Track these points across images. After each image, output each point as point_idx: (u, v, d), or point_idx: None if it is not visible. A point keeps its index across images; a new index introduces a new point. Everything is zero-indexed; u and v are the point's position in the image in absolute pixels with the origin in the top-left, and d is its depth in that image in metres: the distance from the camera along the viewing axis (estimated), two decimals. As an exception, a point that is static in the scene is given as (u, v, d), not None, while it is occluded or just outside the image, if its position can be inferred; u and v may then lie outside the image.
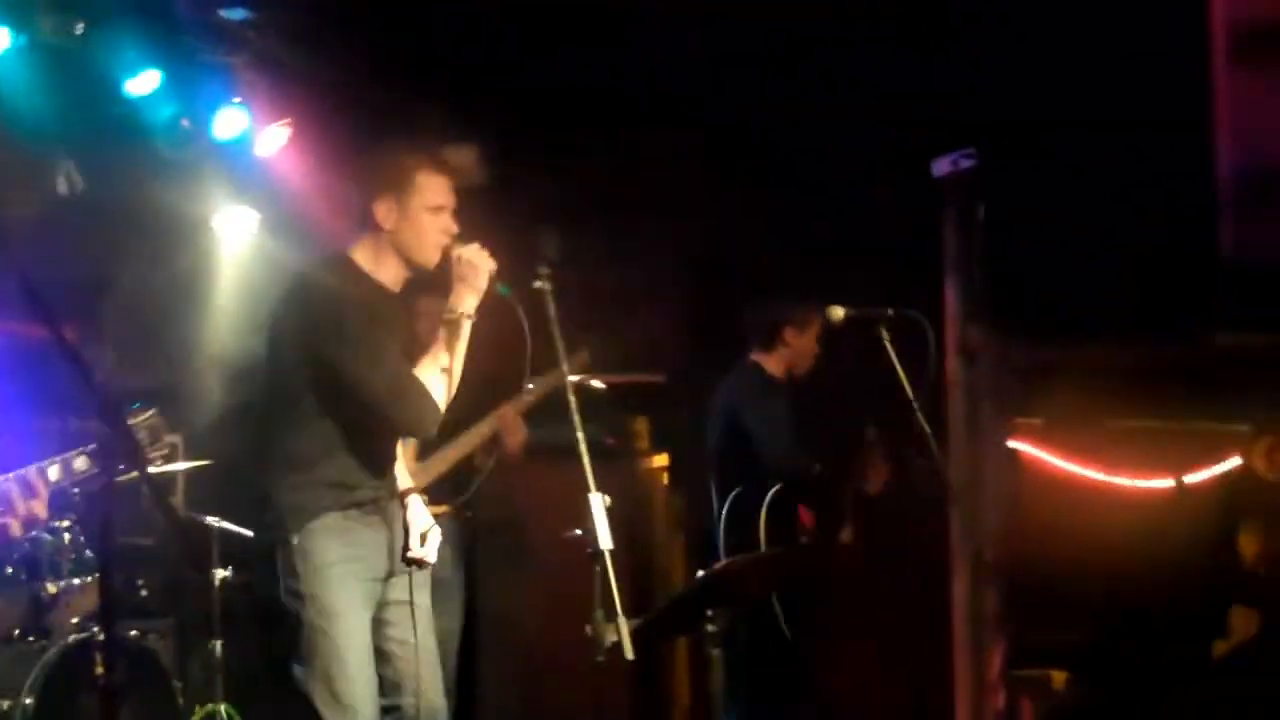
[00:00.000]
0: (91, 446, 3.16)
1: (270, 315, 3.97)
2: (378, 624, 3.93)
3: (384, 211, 3.89)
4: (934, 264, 5.59)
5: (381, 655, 3.92)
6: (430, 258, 3.92)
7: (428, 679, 3.97)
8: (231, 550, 5.79)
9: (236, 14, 6.01)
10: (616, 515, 3.79)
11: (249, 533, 5.68)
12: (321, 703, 3.79)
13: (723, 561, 4.20)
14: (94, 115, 5.91)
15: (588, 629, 3.70)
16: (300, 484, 3.84)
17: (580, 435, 3.76)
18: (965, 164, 5.41)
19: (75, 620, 5.43)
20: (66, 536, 5.44)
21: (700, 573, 4.14)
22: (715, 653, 4.22)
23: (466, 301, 3.87)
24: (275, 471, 3.89)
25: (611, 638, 3.64)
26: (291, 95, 6.23)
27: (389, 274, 3.94)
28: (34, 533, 5.31)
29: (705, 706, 4.95)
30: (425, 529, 4.04)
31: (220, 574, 5.82)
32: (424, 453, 5.13)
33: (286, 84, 6.21)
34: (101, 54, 5.74)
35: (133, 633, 5.63)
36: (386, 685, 3.92)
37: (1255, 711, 4.91)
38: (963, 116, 5.73)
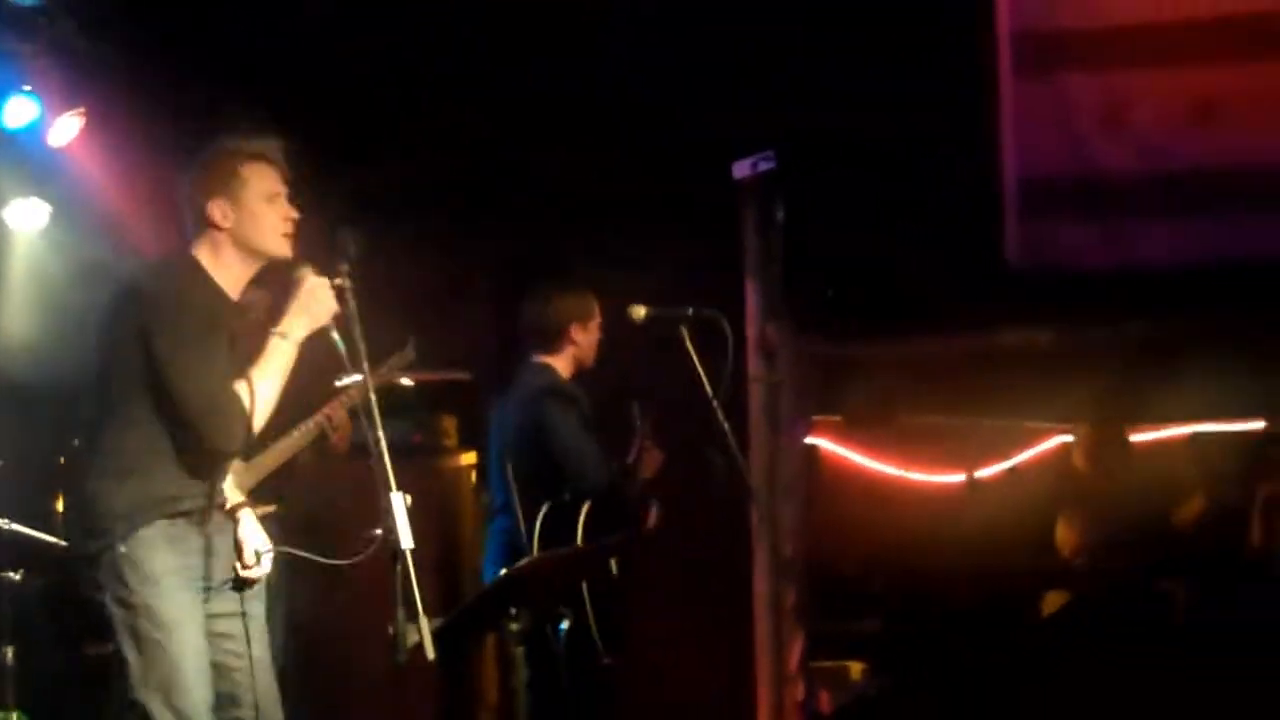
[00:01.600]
0: None
1: (106, 312, 3.86)
2: (210, 636, 3.84)
3: (219, 211, 3.82)
4: (734, 264, 5.72)
5: (217, 669, 3.83)
6: (278, 247, 3.85)
7: (264, 692, 3.89)
8: (25, 554, 5.61)
9: (28, 0, 5.82)
10: (424, 513, 3.78)
11: (42, 536, 5.56)
12: (158, 712, 3.69)
13: (524, 559, 4.22)
14: None
15: (389, 629, 3.68)
16: (128, 490, 3.74)
17: (380, 434, 3.74)
18: (764, 166, 5.53)
19: None
20: None
21: (503, 571, 4.16)
22: (519, 650, 4.24)
23: (297, 328, 3.79)
24: (101, 476, 3.78)
25: (414, 638, 3.63)
26: (85, 84, 6.06)
27: (229, 275, 3.86)
28: None
29: (512, 704, 4.96)
30: (259, 547, 3.97)
31: (11, 577, 5.63)
32: (249, 453, 5.02)
33: (79, 72, 6.03)
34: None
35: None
36: (222, 699, 3.83)
37: (1054, 693, 5.11)
38: (762, 119, 5.85)
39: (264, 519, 4.17)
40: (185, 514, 3.79)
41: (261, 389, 3.77)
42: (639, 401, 5.28)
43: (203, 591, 3.83)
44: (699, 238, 5.90)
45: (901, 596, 6.62)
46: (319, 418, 5.23)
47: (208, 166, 3.88)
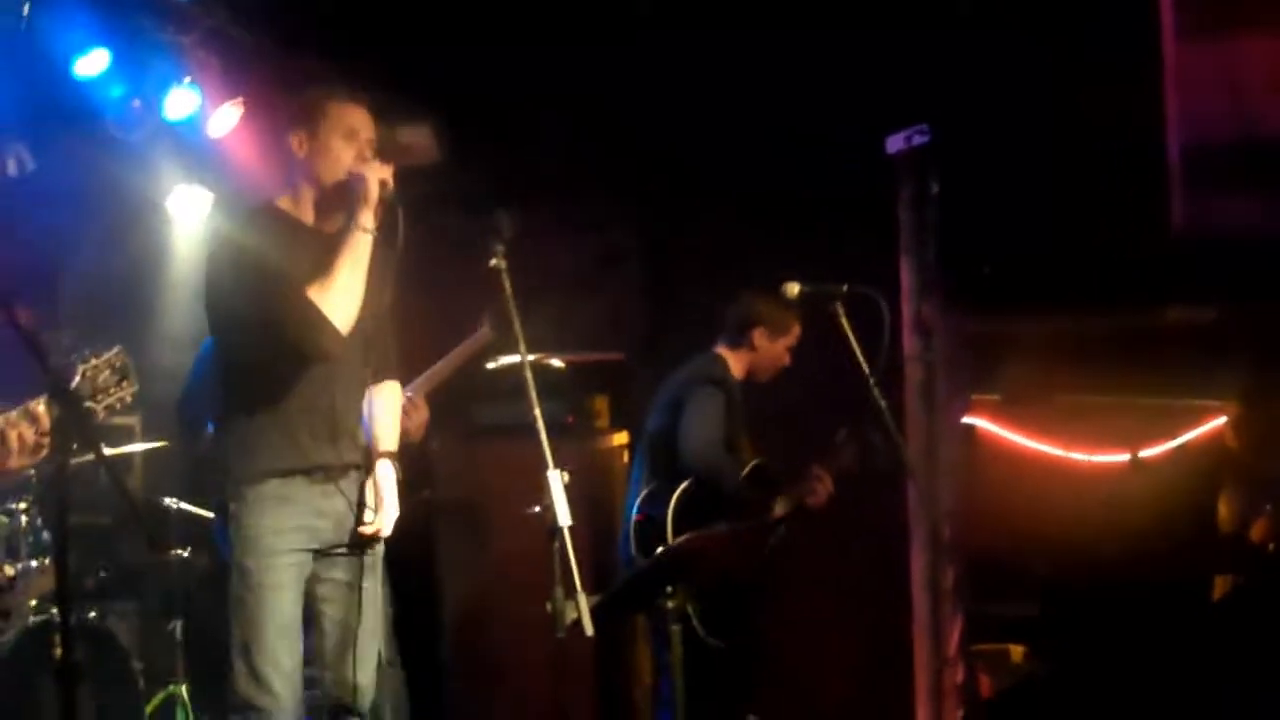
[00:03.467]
0: (45, 396, 3.13)
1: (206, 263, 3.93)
2: (315, 598, 3.86)
3: (297, 143, 3.86)
4: (889, 240, 5.62)
5: (316, 628, 3.88)
6: (348, 184, 3.82)
7: (355, 657, 3.86)
8: (192, 531, 5.77)
9: (185, -7, 5.96)
10: (575, 493, 3.79)
11: (208, 514, 5.70)
12: (237, 673, 3.75)
13: (682, 538, 4.20)
14: (43, 96, 5.85)
15: (547, 606, 3.69)
16: (245, 451, 3.79)
17: (537, 413, 3.75)
18: (919, 140, 5.43)
19: (34, 602, 5.39)
20: (24, 519, 5.39)
21: (659, 549, 4.15)
22: (675, 628, 4.23)
23: (362, 217, 3.76)
24: (224, 441, 3.86)
25: (571, 615, 3.64)
26: (242, 74, 6.18)
27: (311, 212, 3.88)
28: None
29: (664, 682, 4.96)
30: (387, 501, 3.94)
31: (180, 554, 5.80)
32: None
33: (237, 63, 6.15)
34: (50, 34, 5.67)
35: (92, 614, 5.60)
36: (313, 655, 3.88)
37: (1222, 678, 4.95)
38: (916, 92, 5.73)
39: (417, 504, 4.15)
40: (303, 472, 3.80)
41: (339, 282, 3.73)
42: (848, 430, 5.20)
43: (306, 554, 3.83)
44: (852, 214, 5.80)
45: (1064, 578, 6.45)
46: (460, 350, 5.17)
47: (294, 102, 3.93)
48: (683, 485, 4.97)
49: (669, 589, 4.16)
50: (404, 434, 5.11)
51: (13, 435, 3.11)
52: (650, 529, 5.00)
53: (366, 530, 3.87)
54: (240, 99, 6.24)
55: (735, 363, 5.33)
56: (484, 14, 6.03)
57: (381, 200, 3.77)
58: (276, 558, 3.77)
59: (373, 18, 6.07)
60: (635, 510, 5.14)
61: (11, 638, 5.04)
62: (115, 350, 3.40)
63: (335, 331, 3.73)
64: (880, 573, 5.94)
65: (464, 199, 4.36)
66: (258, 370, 3.79)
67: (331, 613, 3.88)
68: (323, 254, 3.79)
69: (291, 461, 3.79)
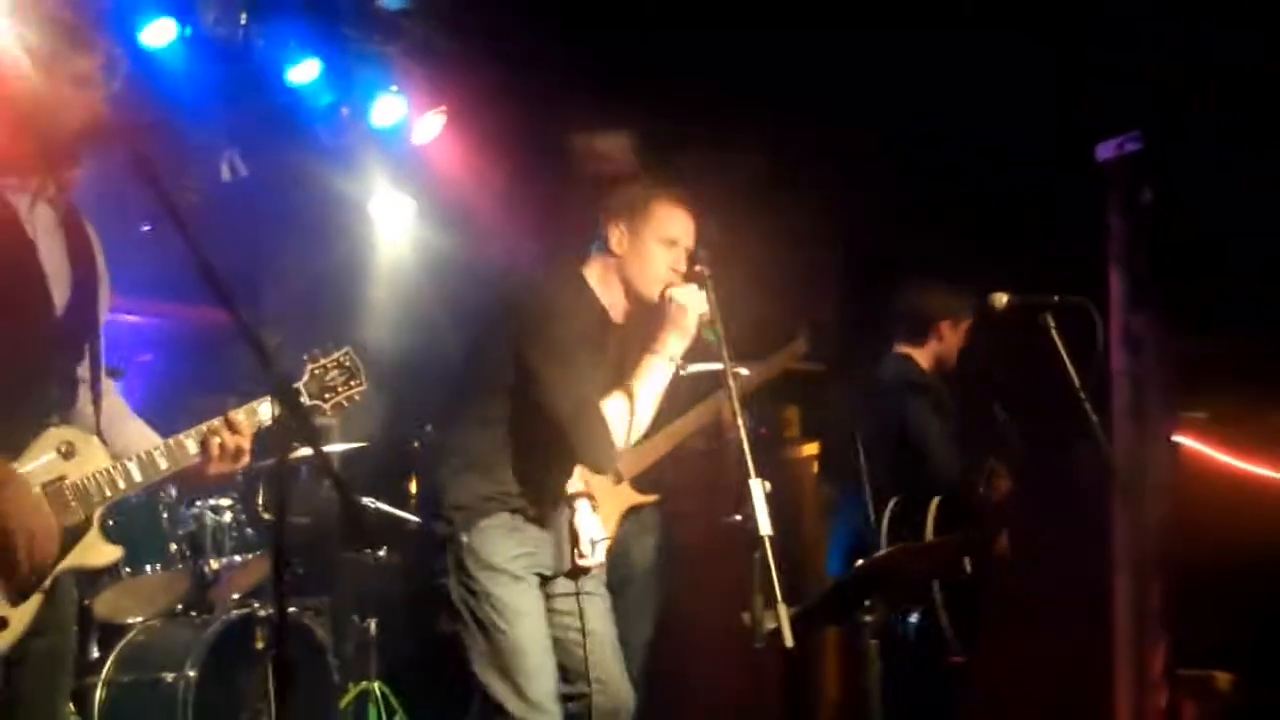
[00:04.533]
0: (267, 395, 3.20)
1: (474, 313, 4.01)
2: (552, 615, 3.94)
3: (616, 235, 3.88)
4: (1098, 251, 5.45)
5: (559, 645, 3.94)
6: (653, 291, 3.89)
7: (609, 667, 3.97)
8: (386, 532, 5.87)
9: (394, 3, 6.08)
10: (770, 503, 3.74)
11: (406, 515, 5.80)
12: (504, 699, 3.80)
13: (883, 551, 4.12)
14: (256, 104, 6.03)
15: (745, 616, 3.65)
16: (474, 482, 3.85)
17: (740, 422, 3.71)
18: (1131, 147, 5.27)
19: (236, 596, 5.54)
20: (228, 515, 5.55)
21: (859, 561, 4.07)
22: (873, 643, 4.14)
23: (671, 344, 3.83)
24: (451, 466, 3.91)
25: (770, 625, 3.59)
26: (447, 83, 6.29)
27: (612, 297, 3.93)
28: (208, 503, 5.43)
29: (855, 698, 4.87)
30: (594, 536, 4.02)
31: (376, 555, 5.90)
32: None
33: (442, 72, 6.26)
34: (263, 44, 5.84)
35: (289, 610, 5.73)
36: (569, 674, 3.93)
37: None
38: (1129, 98, 5.54)
39: (639, 510, 4.15)
40: (523, 511, 3.87)
41: (635, 407, 3.83)
42: (1000, 402, 5.07)
43: (541, 580, 3.91)
44: (1062, 223, 5.64)
45: (1274, 604, 6.17)
46: (703, 408, 5.21)
47: (621, 192, 3.94)
48: (934, 502, 4.85)
49: (867, 602, 4.08)
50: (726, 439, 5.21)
51: (214, 443, 3.18)
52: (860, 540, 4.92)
53: (584, 563, 3.98)
54: (444, 107, 6.34)
55: (924, 358, 5.24)
56: (689, 11, 6.00)
57: (697, 335, 3.82)
58: (520, 583, 3.85)
59: (580, 31, 6.09)
60: (848, 524, 5.04)
61: (215, 629, 5.18)
62: (344, 350, 3.47)
63: (612, 449, 3.84)
64: (1083, 592, 5.76)
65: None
66: (513, 421, 3.85)
67: (571, 622, 3.96)
68: (608, 343, 3.88)
69: (516, 500, 3.86)
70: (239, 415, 3.21)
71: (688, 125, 5.91)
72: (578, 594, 3.96)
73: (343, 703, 5.59)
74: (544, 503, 3.91)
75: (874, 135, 6.05)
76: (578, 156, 6.16)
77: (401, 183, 6.63)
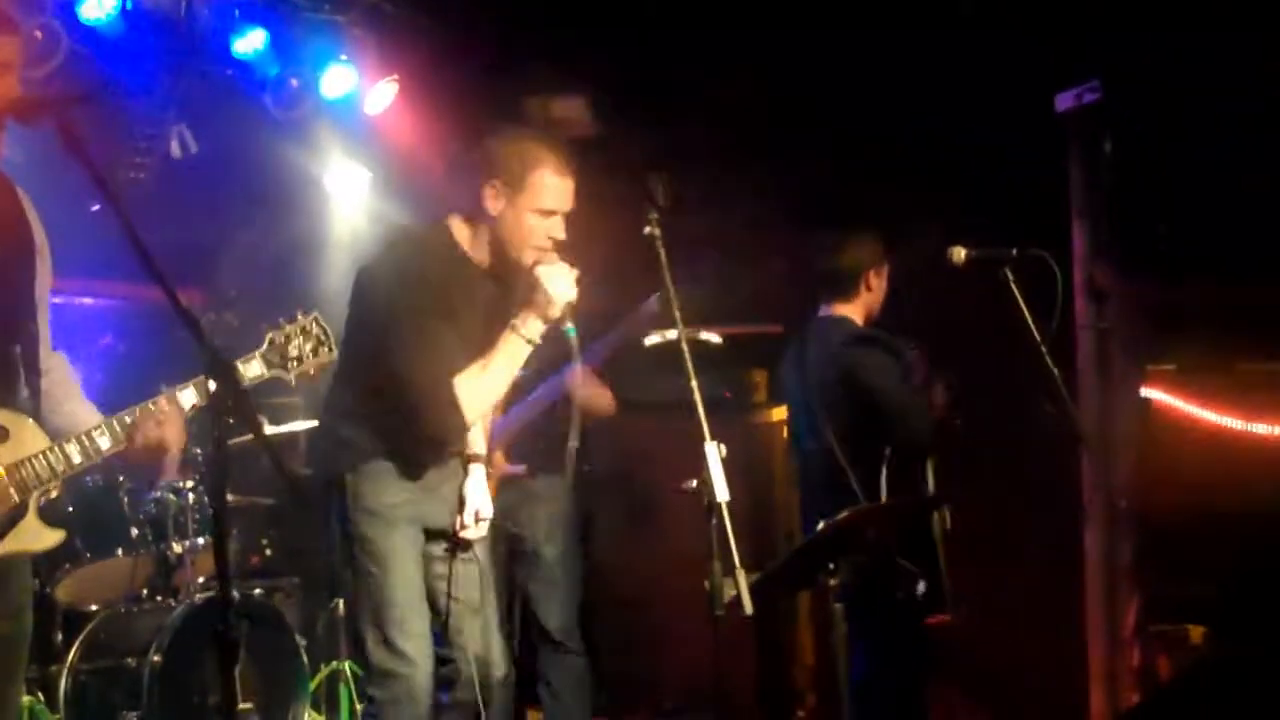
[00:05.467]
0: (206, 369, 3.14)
1: (359, 267, 3.92)
2: (429, 578, 3.91)
3: (492, 197, 3.78)
4: (1059, 203, 5.39)
5: (434, 608, 3.91)
6: (523, 257, 3.79)
7: (474, 635, 3.93)
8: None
9: (341, -30, 5.99)
10: (735, 469, 3.69)
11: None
12: (373, 645, 3.78)
13: (844, 512, 4.05)
14: (203, 77, 5.94)
15: (705, 583, 3.60)
16: (357, 427, 3.81)
17: (694, 385, 3.66)
18: (1090, 98, 5.20)
19: (201, 580, 5.49)
20: (191, 497, 5.50)
21: (820, 523, 4.01)
22: (838, 607, 4.09)
23: (530, 325, 3.75)
24: (336, 413, 3.88)
25: (730, 592, 3.55)
26: (398, 51, 6.19)
27: (480, 253, 3.85)
28: (159, 492, 5.37)
29: (829, 662, 4.82)
30: (479, 508, 3.98)
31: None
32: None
33: (393, 40, 6.16)
34: (208, 14, 5.74)
35: (258, 591, 5.68)
36: (438, 638, 3.90)
37: None
38: (1086, 47, 5.47)
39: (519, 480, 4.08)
40: (408, 457, 3.81)
41: (486, 382, 3.75)
42: (911, 340, 4.95)
43: (420, 528, 3.86)
44: (1020, 175, 5.57)
45: (1246, 556, 6.16)
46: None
47: (500, 151, 3.81)
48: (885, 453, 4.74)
49: (831, 566, 4.03)
50: (590, 412, 5.02)
51: (138, 437, 3.14)
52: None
53: (465, 535, 3.95)
54: (396, 76, 6.25)
55: (856, 313, 5.03)
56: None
57: (560, 319, 3.75)
58: (399, 529, 3.80)
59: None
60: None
61: (180, 613, 5.13)
62: (311, 316, 3.43)
63: (463, 425, 3.78)
64: (1053, 549, 5.73)
65: (622, 167, 4.29)
66: (378, 381, 3.79)
67: (444, 587, 3.93)
68: (481, 294, 3.80)
69: (400, 446, 3.82)
70: (160, 403, 3.15)
71: (639, 86, 5.85)
72: (452, 558, 3.93)
73: (313, 683, 5.54)
74: (426, 455, 3.85)
75: (829, 89, 5.97)
76: (534, 121, 6.08)
77: (355, 154, 6.55)
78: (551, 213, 3.78)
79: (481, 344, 3.78)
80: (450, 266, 3.80)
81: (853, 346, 4.83)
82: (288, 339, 3.41)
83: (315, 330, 3.44)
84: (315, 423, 5.89)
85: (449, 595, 3.93)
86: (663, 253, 3.77)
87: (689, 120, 5.97)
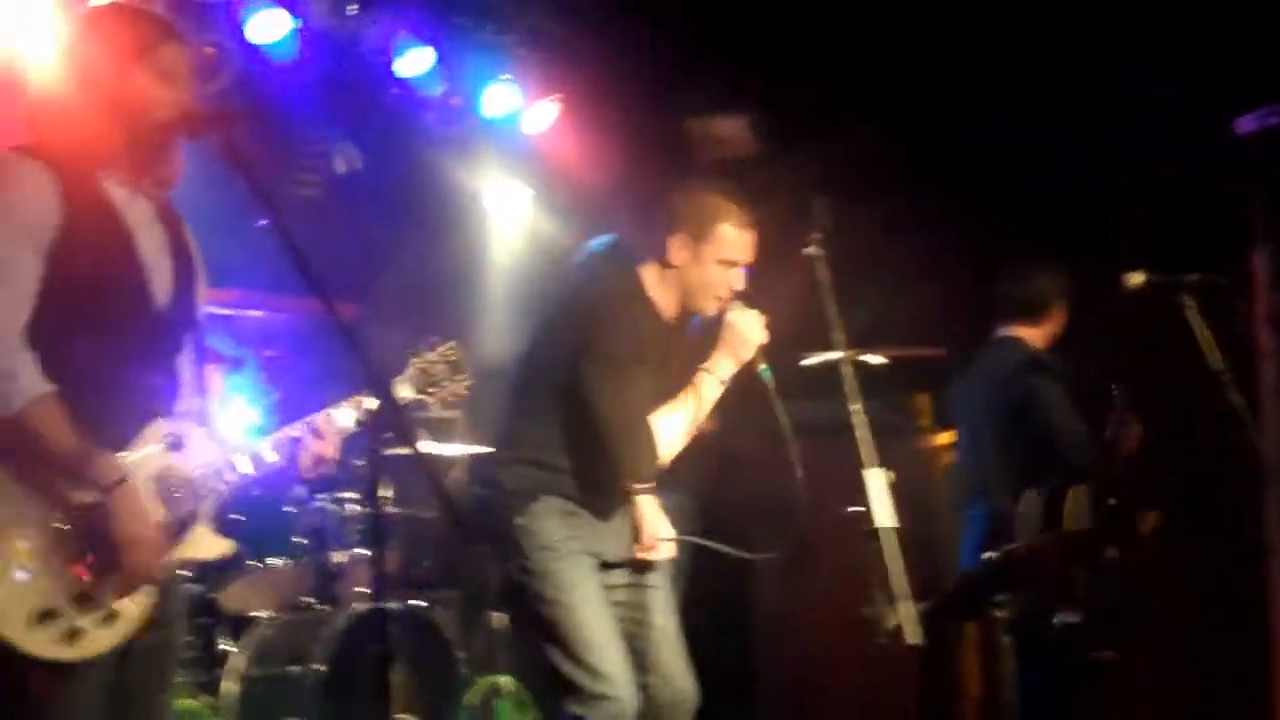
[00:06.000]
0: (367, 387, 3.19)
1: (549, 297, 3.96)
2: (612, 605, 3.89)
3: (677, 248, 3.83)
4: (1242, 229, 5.19)
5: (625, 635, 3.89)
6: (706, 307, 3.87)
7: (670, 660, 3.90)
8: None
9: (504, -9, 6.04)
10: (897, 494, 3.61)
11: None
12: (574, 674, 3.75)
13: (1015, 544, 3.93)
14: (368, 95, 6.02)
15: (866, 611, 3.52)
16: (525, 471, 3.83)
17: (856, 408, 3.59)
18: (1272, 121, 5.01)
19: (361, 589, 5.54)
20: (352, 508, 5.55)
21: (987, 554, 3.90)
22: (1006, 640, 3.97)
23: (722, 367, 3.82)
24: (504, 456, 3.91)
25: (892, 621, 3.46)
26: (561, 70, 6.21)
27: (665, 302, 3.90)
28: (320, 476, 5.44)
29: (996, 695, 4.68)
30: (660, 532, 3.96)
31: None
32: None
33: (555, 59, 6.19)
34: (373, 35, 5.83)
35: (417, 604, 5.72)
36: (631, 665, 3.86)
37: None
38: (1271, 71, 5.26)
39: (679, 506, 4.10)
40: (575, 497, 3.83)
41: (679, 422, 3.79)
42: (1117, 383, 4.84)
43: (595, 559, 3.85)
44: (1201, 201, 5.38)
45: None
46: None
47: (686, 204, 3.86)
48: (1072, 490, 4.62)
49: (999, 597, 3.91)
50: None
51: (302, 450, 3.18)
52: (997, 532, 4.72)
53: (648, 557, 3.94)
54: (558, 95, 6.27)
55: (1039, 339, 5.05)
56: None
57: (752, 362, 3.79)
58: (575, 559, 3.81)
59: (695, 16, 5.95)
60: (982, 516, 4.82)
61: (341, 623, 5.18)
62: (449, 344, 3.47)
63: (653, 465, 3.81)
64: (1235, 587, 5.49)
65: (784, 188, 4.25)
66: (562, 413, 3.83)
67: (631, 615, 3.92)
68: (661, 346, 3.84)
69: (568, 486, 3.83)
70: (326, 420, 3.19)
71: (805, 104, 5.77)
72: (638, 585, 3.93)
73: (471, 697, 5.55)
74: (598, 495, 3.87)
75: (998, 109, 5.84)
76: (696, 141, 6.05)
77: (516, 172, 6.58)
78: (734, 263, 3.83)
79: (654, 389, 3.82)
80: (646, 314, 3.86)
81: (1031, 373, 4.78)
82: (431, 364, 3.44)
83: (453, 357, 3.47)
84: (481, 449, 6.00)
85: (639, 622, 3.93)
86: (824, 274, 3.73)
87: (852, 141, 5.88)
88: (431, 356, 3.45)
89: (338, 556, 5.51)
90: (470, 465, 5.42)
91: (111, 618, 2.88)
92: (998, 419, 4.83)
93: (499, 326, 6.40)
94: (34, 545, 2.81)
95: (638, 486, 3.97)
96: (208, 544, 3.09)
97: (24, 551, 2.81)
